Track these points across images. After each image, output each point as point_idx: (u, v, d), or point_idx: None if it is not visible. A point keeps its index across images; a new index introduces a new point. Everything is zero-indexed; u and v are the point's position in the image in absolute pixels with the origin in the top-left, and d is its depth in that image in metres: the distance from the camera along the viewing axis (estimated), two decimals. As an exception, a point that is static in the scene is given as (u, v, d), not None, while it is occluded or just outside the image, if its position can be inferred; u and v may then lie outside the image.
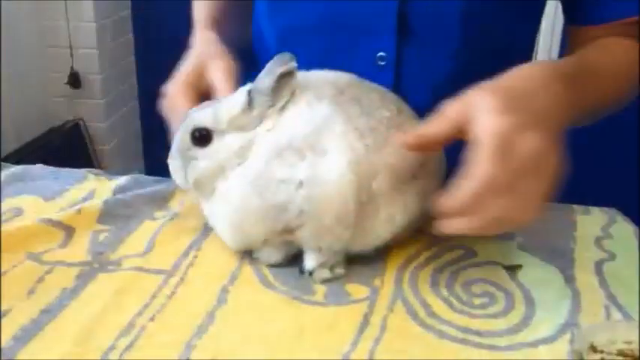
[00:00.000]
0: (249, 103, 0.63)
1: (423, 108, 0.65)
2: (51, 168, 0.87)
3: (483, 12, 0.78)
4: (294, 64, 0.62)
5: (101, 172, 0.87)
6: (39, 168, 0.86)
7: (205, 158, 0.64)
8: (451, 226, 0.55)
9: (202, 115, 0.65)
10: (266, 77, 0.63)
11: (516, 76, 0.62)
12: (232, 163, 0.64)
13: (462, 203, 0.54)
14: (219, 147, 0.64)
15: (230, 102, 0.65)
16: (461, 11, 0.77)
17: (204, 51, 0.78)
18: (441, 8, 0.77)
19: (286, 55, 0.63)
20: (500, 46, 0.80)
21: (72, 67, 2.39)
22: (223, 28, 0.85)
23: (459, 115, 0.57)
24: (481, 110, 0.56)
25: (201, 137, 0.64)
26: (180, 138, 0.65)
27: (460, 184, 0.54)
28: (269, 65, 0.63)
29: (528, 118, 0.56)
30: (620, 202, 0.84)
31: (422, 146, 0.60)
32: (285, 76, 0.62)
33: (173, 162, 0.67)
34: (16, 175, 0.84)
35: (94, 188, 0.82)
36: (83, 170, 0.87)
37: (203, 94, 0.72)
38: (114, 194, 0.80)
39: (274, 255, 0.67)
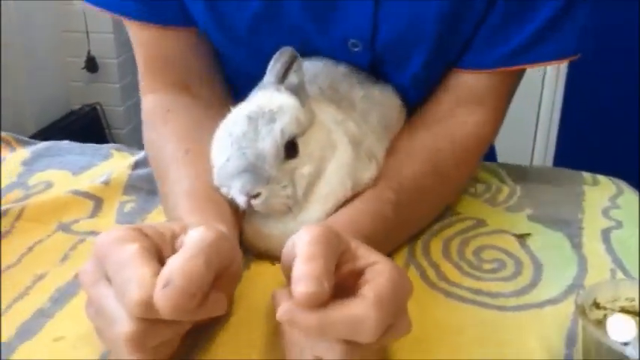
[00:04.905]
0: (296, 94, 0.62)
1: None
2: (76, 144, 0.90)
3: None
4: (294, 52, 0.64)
5: (123, 147, 0.90)
6: (65, 144, 0.90)
7: (306, 164, 0.61)
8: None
9: (287, 125, 0.59)
10: (294, 74, 0.63)
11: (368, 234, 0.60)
12: (327, 157, 0.63)
13: None
14: (309, 147, 0.61)
15: (289, 106, 0.61)
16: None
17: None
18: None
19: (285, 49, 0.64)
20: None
21: (89, 52, 2.42)
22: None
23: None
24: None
25: (293, 146, 0.60)
26: (269, 161, 0.58)
27: None
28: (278, 61, 0.64)
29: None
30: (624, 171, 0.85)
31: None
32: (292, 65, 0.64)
33: (270, 187, 0.58)
34: (43, 151, 0.87)
35: (118, 163, 0.85)
36: (106, 146, 0.90)
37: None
38: (135, 169, 0.82)
39: None
